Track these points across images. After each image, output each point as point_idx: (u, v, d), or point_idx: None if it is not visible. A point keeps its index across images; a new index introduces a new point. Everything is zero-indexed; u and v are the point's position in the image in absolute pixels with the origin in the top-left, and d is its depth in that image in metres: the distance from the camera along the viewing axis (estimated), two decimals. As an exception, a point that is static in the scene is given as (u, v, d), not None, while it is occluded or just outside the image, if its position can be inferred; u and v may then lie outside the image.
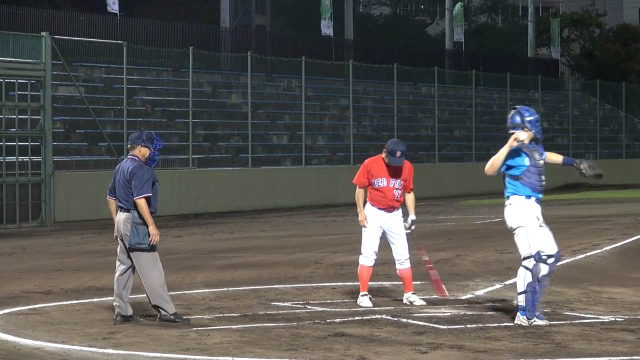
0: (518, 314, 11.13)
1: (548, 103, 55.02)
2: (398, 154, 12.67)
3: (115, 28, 38.29)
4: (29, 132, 28.71)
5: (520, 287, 11.05)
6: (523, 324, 11.05)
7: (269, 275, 16.19)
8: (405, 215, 12.98)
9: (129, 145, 11.90)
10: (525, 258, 11.07)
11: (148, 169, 11.66)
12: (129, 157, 11.81)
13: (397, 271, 12.93)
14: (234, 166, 35.95)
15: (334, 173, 38.48)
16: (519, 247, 11.13)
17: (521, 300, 11.07)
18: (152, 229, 11.45)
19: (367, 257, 12.84)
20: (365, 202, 12.94)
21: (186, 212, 32.00)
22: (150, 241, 11.44)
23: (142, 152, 11.75)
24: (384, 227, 12.78)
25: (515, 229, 11.14)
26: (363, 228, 12.87)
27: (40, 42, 29.03)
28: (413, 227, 12.94)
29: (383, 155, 12.81)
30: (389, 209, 12.78)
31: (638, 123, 59.68)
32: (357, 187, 12.85)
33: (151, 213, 11.54)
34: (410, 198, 12.95)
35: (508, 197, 11.19)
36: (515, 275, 15.44)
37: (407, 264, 12.87)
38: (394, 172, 12.76)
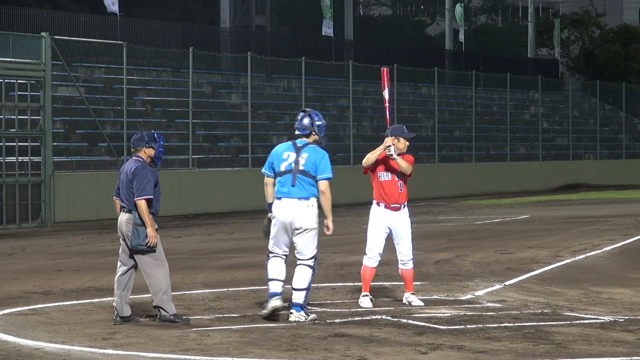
0: (294, 310, 11.49)
1: (548, 103, 54.99)
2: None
3: (115, 28, 38.24)
4: (29, 132, 28.68)
5: (304, 285, 11.52)
6: (301, 320, 11.44)
7: (269, 275, 16.16)
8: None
9: (132, 149, 11.87)
10: (312, 258, 11.64)
11: (152, 170, 11.63)
12: (133, 157, 11.78)
13: (399, 271, 12.92)
14: (234, 166, 35.92)
15: (333, 173, 38.41)
16: (312, 246, 11.69)
17: (301, 298, 11.49)
18: (149, 230, 11.42)
19: (371, 259, 12.79)
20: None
21: (186, 213, 31.98)
22: (148, 243, 11.43)
23: (147, 152, 11.72)
24: (390, 227, 12.76)
25: (311, 229, 11.79)
26: (369, 228, 12.85)
27: (40, 43, 29.00)
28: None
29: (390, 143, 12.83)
30: (395, 207, 12.74)
31: (638, 123, 59.64)
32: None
33: (152, 214, 11.53)
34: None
35: (308, 198, 12.25)
36: (515, 276, 15.41)
37: (410, 265, 12.84)
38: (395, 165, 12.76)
